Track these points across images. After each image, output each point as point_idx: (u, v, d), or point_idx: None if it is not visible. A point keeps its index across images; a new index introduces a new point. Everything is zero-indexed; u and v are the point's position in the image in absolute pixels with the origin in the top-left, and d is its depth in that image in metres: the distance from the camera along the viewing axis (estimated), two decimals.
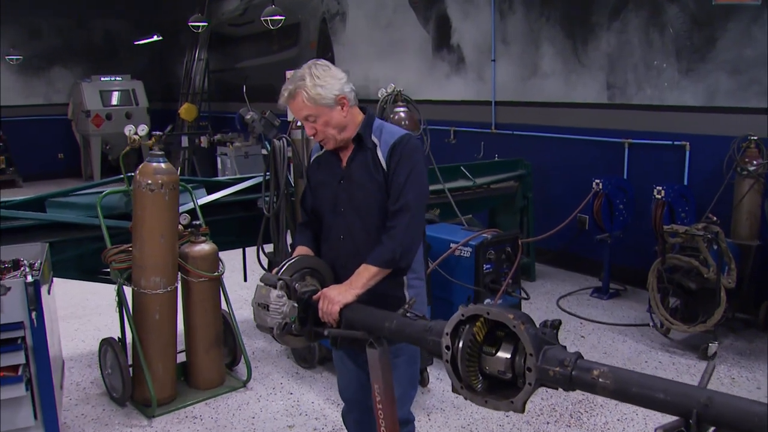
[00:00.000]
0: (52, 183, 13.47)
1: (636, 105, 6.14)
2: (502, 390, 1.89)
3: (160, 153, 3.87)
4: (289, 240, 4.52)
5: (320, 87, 2.47)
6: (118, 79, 13.75)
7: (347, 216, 2.60)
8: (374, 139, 2.57)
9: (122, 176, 4.22)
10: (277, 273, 2.41)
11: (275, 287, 2.33)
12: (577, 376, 1.73)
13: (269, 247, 4.97)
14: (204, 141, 11.17)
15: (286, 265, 2.45)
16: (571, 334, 5.24)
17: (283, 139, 4.60)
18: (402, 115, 4.91)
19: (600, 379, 1.70)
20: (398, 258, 2.46)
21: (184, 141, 11.62)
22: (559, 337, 1.88)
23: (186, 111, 12.33)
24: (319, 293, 2.39)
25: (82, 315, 5.84)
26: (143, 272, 3.89)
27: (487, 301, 4.34)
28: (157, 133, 3.87)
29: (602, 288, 6.15)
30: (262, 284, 2.37)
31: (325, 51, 10.14)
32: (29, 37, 14.00)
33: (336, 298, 2.34)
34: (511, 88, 7.32)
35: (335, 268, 2.62)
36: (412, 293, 2.67)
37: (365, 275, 2.43)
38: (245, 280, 5.44)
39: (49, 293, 3.49)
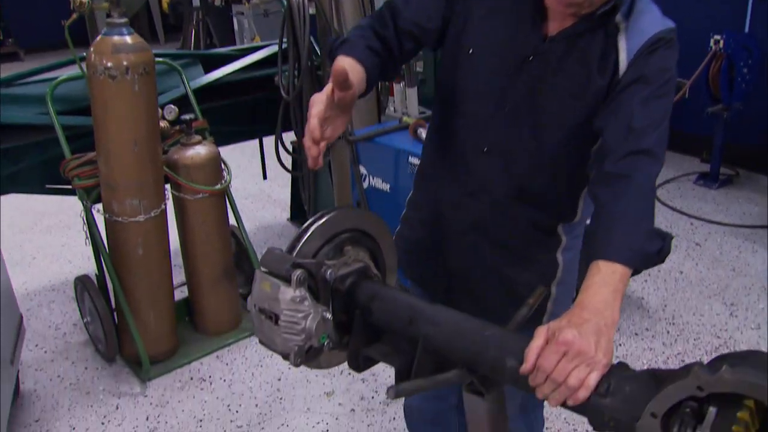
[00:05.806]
0: (59, 54, 12.19)
1: None
2: None
3: (122, 21, 2.65)
4: None
5: None
6: None
7: (518, 123, 1.40)
8: (620, 19, 1.32)
9: (75, 58, 3.03)
10: (291, 251, 1.27)
11: (288, 281, 1.18)
12: None
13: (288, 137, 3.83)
14: None
15: (307, 234, 1.28)
16: (683, 241, 4.09)
17: None
18: None
19: None
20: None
21: (196, 0, 10.14)
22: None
23: None
24: (542, 332, 1.02)
25: (74, 224, 4.79)
26: (114, 194, 2.78)
27: None
28: None
29: (711, 173, 4.91)
30: (265, 274, 1.22)
31: None
32: None
33: (592, 354, 0.97)
34: None
35: (442, 203, 1.49)
36: (568, 258, 1.53)
37: (620, 286, 1.10)
38: (264, 178, 4.34)
39: None
